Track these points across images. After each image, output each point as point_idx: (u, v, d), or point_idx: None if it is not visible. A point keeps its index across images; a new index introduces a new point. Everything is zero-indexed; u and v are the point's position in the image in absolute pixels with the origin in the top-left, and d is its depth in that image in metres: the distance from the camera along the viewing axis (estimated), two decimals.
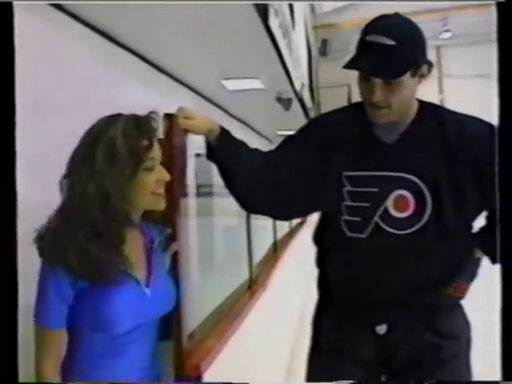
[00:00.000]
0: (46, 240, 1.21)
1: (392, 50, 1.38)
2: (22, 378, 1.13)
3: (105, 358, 1.26)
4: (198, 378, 1.64)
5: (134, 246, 1.32)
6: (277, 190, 1.56)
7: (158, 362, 1.40)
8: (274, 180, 1.56)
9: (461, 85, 13.97)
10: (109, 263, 1.21)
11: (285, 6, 4.89)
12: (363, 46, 1.44)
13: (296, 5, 7.58)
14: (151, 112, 1.30)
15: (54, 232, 1.21)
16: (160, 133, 1.29)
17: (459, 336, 1.63)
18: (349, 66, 1.45)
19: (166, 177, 1.29)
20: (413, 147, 1.52)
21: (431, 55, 1.48)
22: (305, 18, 10.61)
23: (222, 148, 1.52)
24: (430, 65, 1.49)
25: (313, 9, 13.73)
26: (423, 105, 1.57)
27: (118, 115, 1.27)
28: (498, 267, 1.26)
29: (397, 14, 1.47)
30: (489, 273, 1.64)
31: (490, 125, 1.46)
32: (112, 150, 1.20)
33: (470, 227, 1.61)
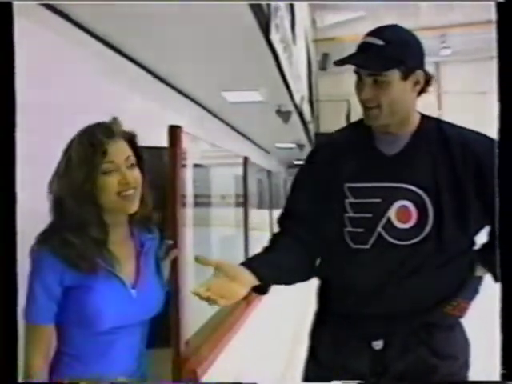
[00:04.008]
0: (40, 236, 1.29)
1: (379, 48, 1.44)
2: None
3: (89, 356, 1.31)
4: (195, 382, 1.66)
5: (124, 248, 1.37)
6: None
7: (144, 365, 1.42)
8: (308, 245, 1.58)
9: (460, 101, 14.03)
10: (90, 253, 1.28)
11: (286, 20, 4.95)
12: (358, 47, 1.51)
13: (298, 19, 7.65)
14: (114, 118, 1.38)
15: (46, 228, 1.31)
16: (119, 137, 1.34)
17: (457, 356, 1.58)
18: (337, 62, 1.50)
19: (128, 178, 1.32)
20: (414, 159, 1.53)
21: (430, 72, 1.49)
22: (305, 31, 10.69)
23: (267, 282, 1.50)
24: (428, 75, 1.50)
25: (314, 22, 13.81)
26: (425, 118, 1.59)
27: (91, 124, 1.36)
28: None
29: (397, 25, 1.53)
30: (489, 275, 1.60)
31: (491, 139, 1.47)
32: (69, 158, 1.32)
33: (472, 243, 1.58)
